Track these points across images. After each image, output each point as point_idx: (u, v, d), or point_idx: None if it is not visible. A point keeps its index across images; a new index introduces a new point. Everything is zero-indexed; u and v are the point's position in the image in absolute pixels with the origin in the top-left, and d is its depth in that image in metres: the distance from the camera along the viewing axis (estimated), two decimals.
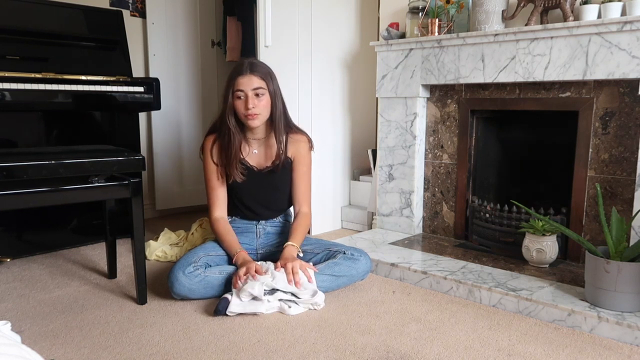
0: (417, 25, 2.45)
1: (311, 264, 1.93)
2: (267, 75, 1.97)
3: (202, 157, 2.09)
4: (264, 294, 1.75)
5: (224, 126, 2.00)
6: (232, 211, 2.15)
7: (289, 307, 1.77)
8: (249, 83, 1.92)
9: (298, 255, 1.94)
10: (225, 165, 2.03)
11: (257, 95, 1.93)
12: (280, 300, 1.79)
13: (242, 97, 1.94)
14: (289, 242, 1.96)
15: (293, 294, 1.80)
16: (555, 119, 2.29)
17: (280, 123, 2.01)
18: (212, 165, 2.05)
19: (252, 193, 2.09)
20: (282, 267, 1.83)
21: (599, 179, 2.05)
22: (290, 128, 2.08)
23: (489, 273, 2.01)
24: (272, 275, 1.80)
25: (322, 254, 2.02)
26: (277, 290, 1.79)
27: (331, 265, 1.94)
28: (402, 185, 2.64)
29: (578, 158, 2.08)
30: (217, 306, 1.75)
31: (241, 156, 2.03)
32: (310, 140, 2.12)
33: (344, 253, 1.99)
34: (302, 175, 2.11)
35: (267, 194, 2.11)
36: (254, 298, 1.74)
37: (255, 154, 2.07)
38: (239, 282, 1.78)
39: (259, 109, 1.94)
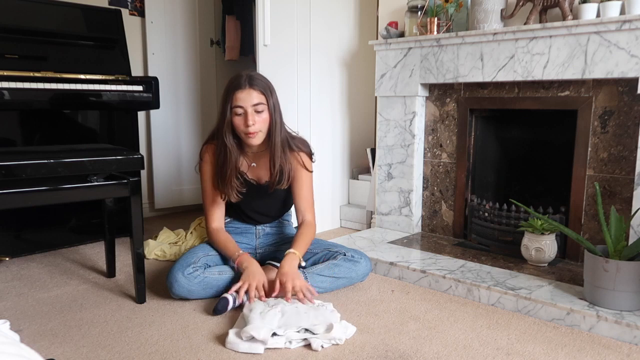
0: (416, 24, 2.45)
1: (312, 288, 1.78)
2: (267, 88, 1.86)
3: (199, 168, 2.01)
4: (270, 336, 1.52)
5: (220, 142, 1.88)
6: (230, 213, 2.11)
7: (307, 343, 1.54)
8: (248, 98, 1.81)
9: (300, 265, 1.87)
10: (219, 185, 1.93)
11: (257, 111, 1.83)
12: (293, 340, 1.54)
13: (240, 114, 1.83)
14: (290, 250, 1.86)
15: (307, 330, 1.56)
16: (554, 118, 2.29)
17: (278, 138, 1.89)
18: (210, 174, 1.97)
19: (251, 204, 2.04)
20: (280, 282, 1.74)
21: (598, 177, 2.05)
22: (290, 145, 1.95)
23: (487, 272, 2.01)
24: (282, 312, 1.62)
25: (322, 253, 2.00)
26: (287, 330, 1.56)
27: (331, 266, 1.93)
28: (401, 184, 2.64)
29: (577, 157, 2.09)
30: (216, 306, 1.74)
31: (240, 169, 1.95)
32: (310, 152, 2.02)
33: (345, 255, 1.96)
34: (303, 184, 2.00)
35: (266, 205, 2.07)
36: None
37: (254, 167, 1.99)
38: (244, 301, 1.74)
39: (259, 126, 1.84)
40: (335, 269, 1.92)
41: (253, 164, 1.99)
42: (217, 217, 2.01)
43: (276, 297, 1.77)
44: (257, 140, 1.87)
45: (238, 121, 1.84)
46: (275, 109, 1.88)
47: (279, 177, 1.93)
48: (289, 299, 1.72)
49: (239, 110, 1.83)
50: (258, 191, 2.00)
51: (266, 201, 2.05)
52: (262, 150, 1.97)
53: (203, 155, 1.99)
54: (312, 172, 2.03)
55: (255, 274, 1.79)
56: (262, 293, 1.76)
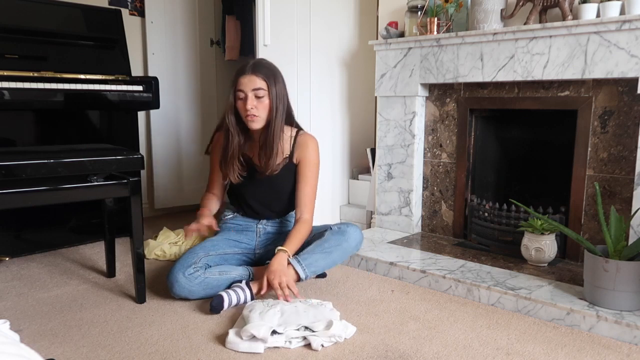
0: (416, 24, 2.45)
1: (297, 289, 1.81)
2: (271, 76, 1.90)
3: (209, 147, 2.12)
4: (270, 334, 1.52)
5: (225, 126, 1.97)
6: (234, 204, 2.16)
7: (307, 342, 1.54)
8: (250, 83, 1.87)
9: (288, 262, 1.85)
10: (222, 167, 2.00)
11: (257, 96, 1.88)
12: (293, 338, 1.54)
13: (242, 98, 1.89)
14: (281, 247, 1.87)
15: (307, 328, 1.57)
16: (554, 118, 2.29)
17: (277, 126, 1.93)
18: (217, 155, 2.06)
19: (255, 193, 2.07)
20: (268, 279, 1.78)
21: (598, 177, 2.05)
22: (298, 130, 2.04)
23: (487, 272, 2.01)
24: (282, 311, 1.63)
25: (311, 238, 2.01)
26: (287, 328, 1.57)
27: (320, 243, 1.92)
28: (401, 184, 2.64)
29: (577, 157, 2.09)
30: (211, 303, 1.75)
31: (248, 155, 2.02)
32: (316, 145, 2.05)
33: (331, 229, 1.98)
34: (307, 179, 2.02)
35: (270, 196, 2.08)
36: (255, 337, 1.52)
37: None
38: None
39: (259, 111, 1.89)
40: (324, 244, 1.91)
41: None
42: (215, 186, 2.15)
43: (265, 293, 1.83)
44: (256, 124, 1.92)
45: (240, 105, 1.92)
46: (277, 96, 1.92)
47: (282, 163, 1.99)
48: (280, 296, 1.76)
49: (241, 95, 1.90)
50: (263, 179, 2.01)
51: (269, 191, 2.07)
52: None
53: (214, 139, 2.11)
54: (318, 165, 2.06)
55: (204, 217, 2.01)
56: (207, 225, 1.99)
